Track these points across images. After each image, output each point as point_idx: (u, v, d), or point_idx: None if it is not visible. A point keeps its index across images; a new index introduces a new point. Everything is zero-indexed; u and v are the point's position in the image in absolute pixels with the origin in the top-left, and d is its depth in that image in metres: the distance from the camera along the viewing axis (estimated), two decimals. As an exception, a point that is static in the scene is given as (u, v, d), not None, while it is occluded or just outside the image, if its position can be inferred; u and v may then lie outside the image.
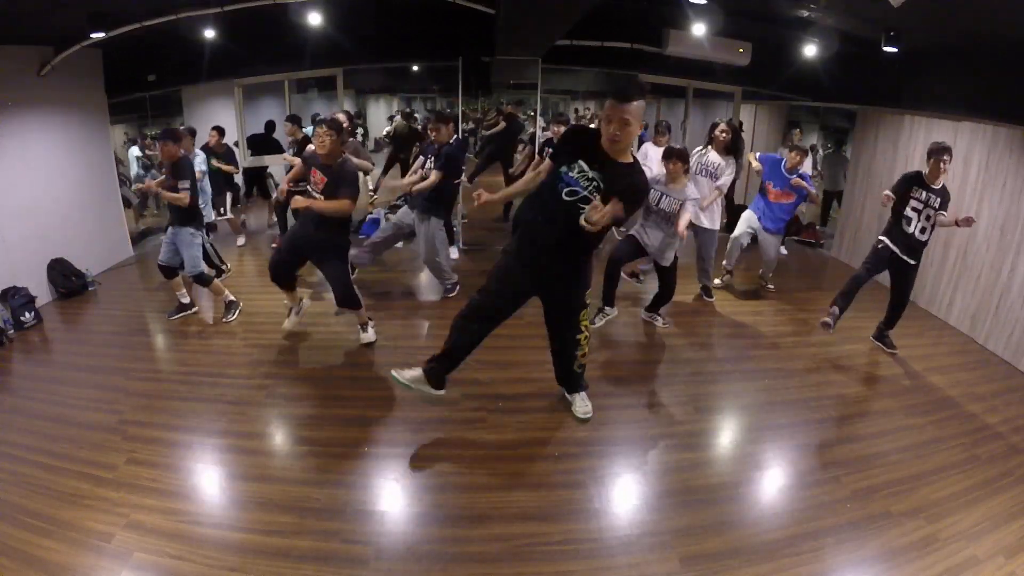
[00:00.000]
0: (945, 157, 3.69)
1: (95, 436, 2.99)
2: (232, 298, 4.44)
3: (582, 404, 3.21)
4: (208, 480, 2.73)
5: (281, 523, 2.42)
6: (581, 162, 2.60)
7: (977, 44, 4.28)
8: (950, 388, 3.70)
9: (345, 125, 3.91)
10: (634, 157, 2.68)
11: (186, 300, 4.46)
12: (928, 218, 3.79)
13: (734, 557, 2.30)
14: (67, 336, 4.39)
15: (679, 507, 2.57)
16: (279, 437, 3.08)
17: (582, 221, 2.39)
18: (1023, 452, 3.05)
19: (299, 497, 2.57)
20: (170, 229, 4.24)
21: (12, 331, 4.20)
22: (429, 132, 4.75)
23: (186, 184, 4.06)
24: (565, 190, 2.60)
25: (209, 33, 5.38)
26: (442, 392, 2.96)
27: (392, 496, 2.63)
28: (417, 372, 2.92)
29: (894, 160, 5.46)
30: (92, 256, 5.24)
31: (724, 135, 4.70)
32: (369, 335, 4.03)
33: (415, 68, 10.51)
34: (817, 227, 7.31)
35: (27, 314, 4.33)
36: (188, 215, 4.18)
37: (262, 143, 6.95)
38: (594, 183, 2.57)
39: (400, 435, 3.04)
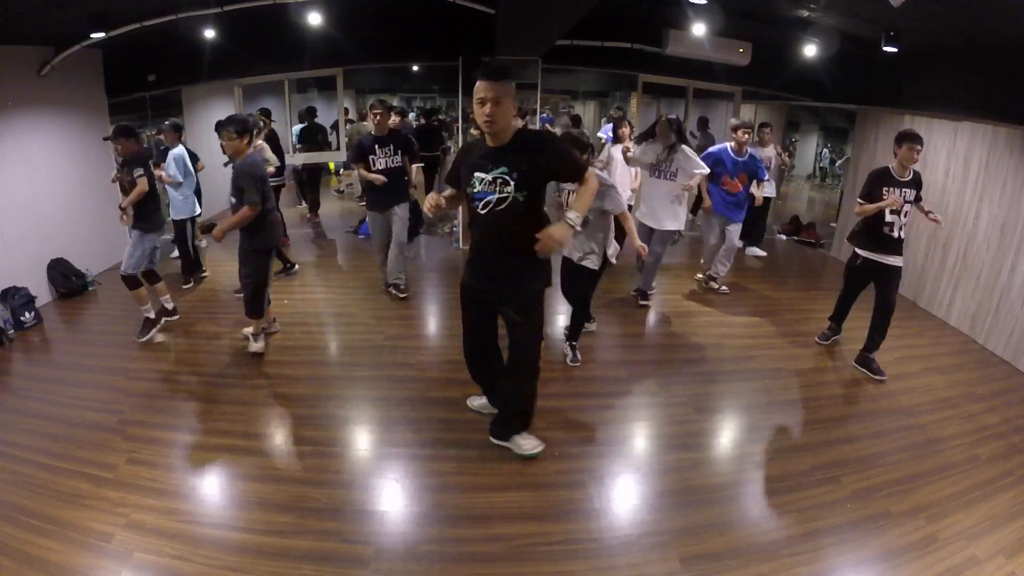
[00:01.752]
0: (917, 146, 3.53)
1: (95, 436, 2.99)
2: (152, 315, 4.17)
3: (524, 441, 2.91)
4: (208, 480, 2.73)
5: (281, 523, 2.42)
6: (476, 174, 2.52)
7: (977, 44, 4.27)
8: (950, 388, 3.70)
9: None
10: (519, 129, 2.55)
11: (170, 305, 4.35)
12: (906, 215, 3.65)
13: (734, 557, 2.30)
14: (67, 336, 4.39)
15: (679, 507, 2.57)
16: (279, 437, 3.08)
17: (537, 248, 2.41)
18: (1023, 452, 3.05)
19: (299, 497, 2.57)
20: (133, 232, 4.05)
21: (12, 331, 4.20)
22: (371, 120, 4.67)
23: (140, 171, 3.94)
24: (479, 206, 2.53)
25: (209, 33, 5.38)
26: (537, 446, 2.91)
27: (392, 496, 2.63)
28: (529, 439, 2.90)
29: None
30: (92, 256, 5.24)
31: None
32: (259, 345, 3.90)
33: (415, 68, 10.51)
34: (821, 226, 7.31)
35: (27, 314, 4.33)
36: (142, 214, 4.02)
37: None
38: (499, 180, 2.47)
39: (400, 435, 3.04)
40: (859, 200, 3.73)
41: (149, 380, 3.60)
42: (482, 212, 2.52)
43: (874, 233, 3.70)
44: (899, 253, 3.71)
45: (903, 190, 3.60)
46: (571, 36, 6.31)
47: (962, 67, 4.75)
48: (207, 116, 6.92)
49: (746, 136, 4.86)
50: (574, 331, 3.85)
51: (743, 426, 3.32)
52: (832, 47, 5.17)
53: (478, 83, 2.41)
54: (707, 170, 4.63)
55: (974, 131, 4.55)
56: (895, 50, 4.37)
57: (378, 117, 4.57)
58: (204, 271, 5.42)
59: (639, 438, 3.16)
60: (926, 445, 3.08)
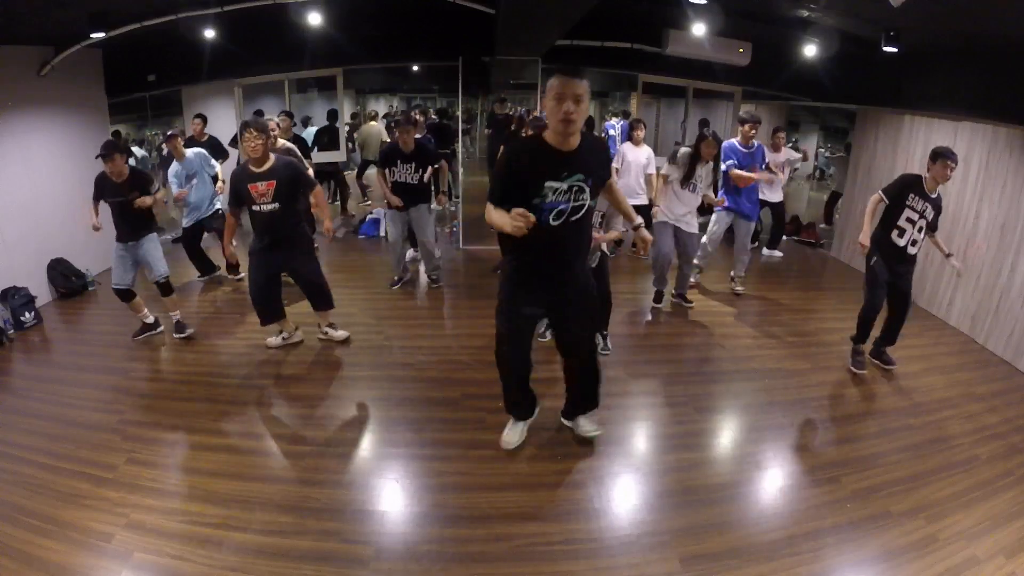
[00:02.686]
0: (951, 163, 3.40)
1: (95, 436, 2.99)
2: (151, 320, 4.12)
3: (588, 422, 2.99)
4: (208, 480, 2.73)
5: (281, 523, 2.42)
6: (548, 183, 2.30)
7: (977, 44, 4.28)
8: (950, 388, 3.70)
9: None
10: (583, 132, 2.39)
11: (150, 320, 4.14)
12: (921, 230, 3.54)
13: (734, 557, 2.30)
14: (67, 336, 4.39)
15: (679, 507, 2.57)
16: (279, 437, 3.08)
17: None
18: (1023, 452, 3.05)
19: (299, 497, 2.57)
20: (121, 246, 3.86)
21: (12, 331, 4.20)
22: (398, 138, 4.67)
23: (156, 187, 3.92)
24: (549, 217, 2.33)
25: (209, 33, 5.38)
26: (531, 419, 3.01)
27: (392, 496, 2.63)
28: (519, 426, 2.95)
29: (894, 160, 5.46)
30: (92, 256, 5.24)
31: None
32: (340, 333, 4.08)
33: (415, 68, 10.50)
34: (819, 226, 7.31)
35: (27, 314, 4.33)
36: (148, 221, 3.94)
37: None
38: (575, 187, 2.34)
39: (400, 435, 3.04)
40: (881, 192, 3.65)
41: (149, 380, 3.60)
42: (554, 223, 2.34)
43: (883, 239, 3.64)
44: (908, 263, 3.67)
45: (926, 205, 3.51)
46: (571, 36, 6.31)
47: (962, 67, 4.75)
48: (207, 116, 6.91)
49: (753, 132, 4.84)
50: (603, 321, 3.92)
51: (743, 426, 3.32)
52: (832, 47, 5.17)
53: (558, 79, 2.24)
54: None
55: (974, 131, 4.55)
56: (895, 50, 4.38)
57: (403, 136, 4.60)
58: (219, 269, 5.34)
59: (639, 438, 3.16)
60: (926, 445, 3.08)
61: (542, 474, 2.76)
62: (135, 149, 6.90)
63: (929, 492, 2.70)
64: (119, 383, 3.54)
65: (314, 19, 5.48)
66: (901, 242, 3.58)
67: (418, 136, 5.04)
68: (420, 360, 3.86)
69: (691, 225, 4.59)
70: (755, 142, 4.94)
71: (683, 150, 4.55)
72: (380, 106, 12.60)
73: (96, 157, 3.66)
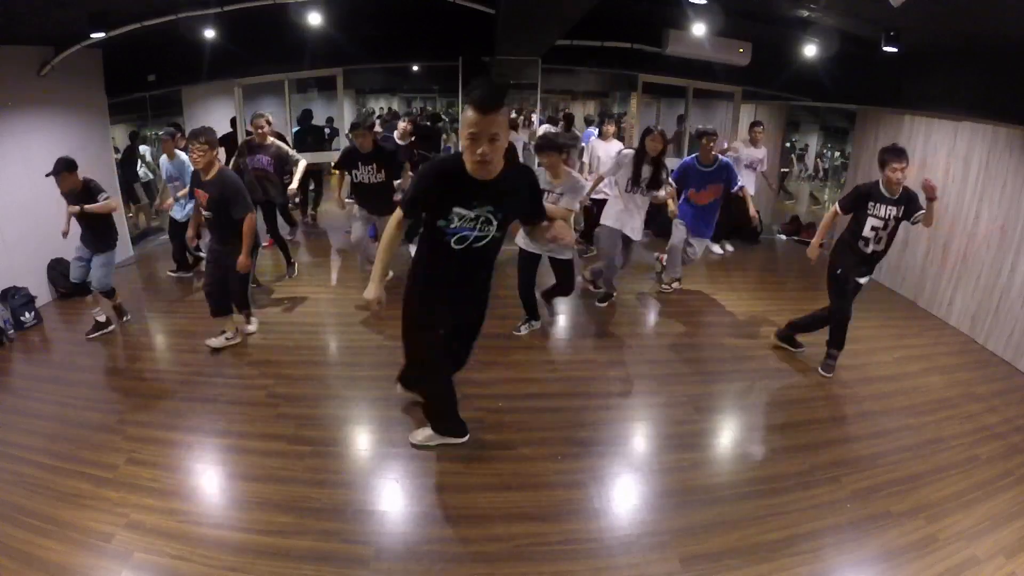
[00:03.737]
0: (895, 164, 3.25)
1: (95, 436, 2.99)
2: (103, 319, 4.16)
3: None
4: (208, 480, 2.73)
5: (281, 523, 2.42)
6: (456, 209, 2.26)
7: (977, 44, 4.28)
8: (950, 388, 3.70)
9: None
10: (509, 158, 2.30)
11: (102, 318, 4.16)
12: (889, 232, 3.43)
13: (734, 557, 2.30)
14: (67, 336, 4.38)
15: (679, 507, 2.57)
16: (279, 437, 3.08)
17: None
18: (1023, 452, 3.05)
19: (299, 497, 2.57)
20: (81, 246, 4.03)
21: (12, 331, 4.20)
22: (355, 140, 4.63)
23: (105, 195, 3.94)
24: (452, 240, 2.31)
25: (209, 33, 5.38)
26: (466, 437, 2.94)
27: (392, 496, 2.63)
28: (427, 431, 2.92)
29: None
30: (92, 256, 5.24)
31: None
32: (252, 326, 4.11)
33: (415, 68, 10.51)
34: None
35: (27, 314, 4.33)
36: (105, 235, 4.02)
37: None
38: (483, 219, 2.29)
39: (400, 435, 3.04)
40: (837, 205, 3.64)
41: (149, 380, 3.60)
42: (455, 247, 2.32)
43: (849, 249, 3.56)
44: (872, 266, 3.60)
45: (890, 208, 3.38)
46: (571, 36, 6.32)
47: (962, 67, 4.75)
48: (207, 116, 6.92)
49: (711, 144, 4.62)
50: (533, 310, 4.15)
51: (743, 426, 3.32)
52: (832, 47, 5.17)
53: (473, 113, 2.04)
54: (672, 186, 4.48)
55: (974, 131, 4.55)
56: (895, 50, 4.38)
57: (360, 140, 4.57)
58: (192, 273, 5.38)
59: (639, 438, 3.16)
60: (926, 445, 3.08)
61: (542, 474, 2.76)
62: (142, 148, 6.92)
63: (929, 492, 2.70)
64: (119, 383, 3.54)
65: (314, 19, 5.48)
66: (868, 249, 3.50)
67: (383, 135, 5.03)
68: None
69: (636, 231, 4.43)
70: (719, 157, 4.67)
71: (626, 151, 4.45)
72: (381, 106, 12.64)
73: (46, 176, 3.78)
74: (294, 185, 4.94)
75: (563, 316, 4.65)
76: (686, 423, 3.25)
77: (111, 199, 4.00)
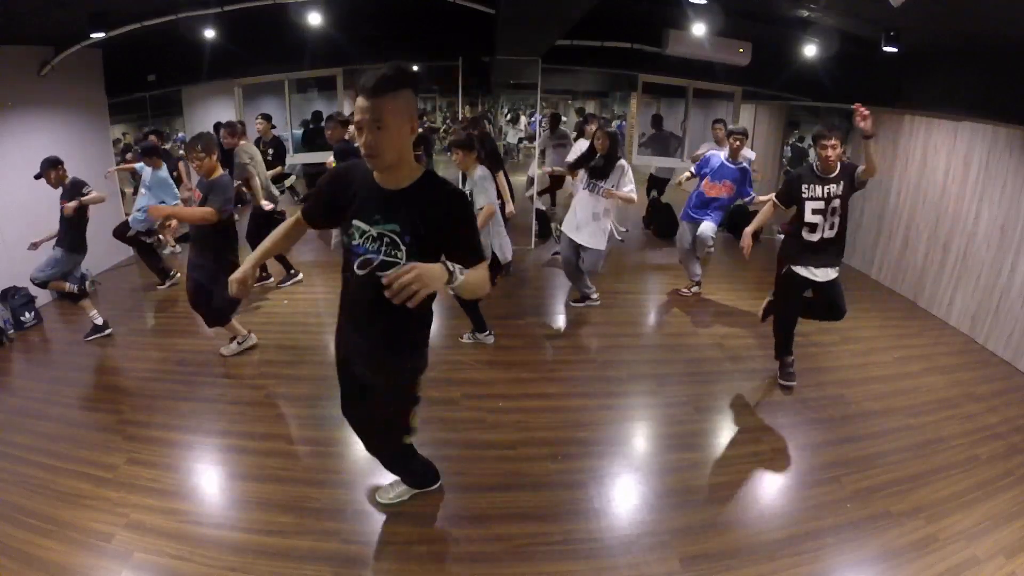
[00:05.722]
0: (823, 142, 3.13)
1: (95, 436, 2.99)
2: (100, 321, 4.15)
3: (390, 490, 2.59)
4: (208, 480, 2.74)
5: (281, 523, 2.42)
6: (356, 222, 1.85)
7: (977, 44, 4.28)
8: (950, 388, 3.70)
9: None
10: (426, 171, 1.84)
11: (99, 321, 4.16)
12: (835, 211, 3.24)
13: (734, 557, 2.30)
14: (67, 336, 4.38)
15: (679, 507, 2.57)
16: (279, 437, 3.08)
17: (386, 292, 1.54)
18: (1023, 452, 3.05)
19: (299, 497, 2.57)
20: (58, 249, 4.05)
21: (12, 331, 4.20)
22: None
23: (89, 187, 4.01)
24: (356, 262, 1.88)
25: (209, 33, 5.38)
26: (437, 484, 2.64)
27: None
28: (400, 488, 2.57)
29: (893, 160, 5.46)
30: (92, 256, 5.20)
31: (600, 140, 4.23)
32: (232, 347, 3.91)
33: (415, 68, 10.50)
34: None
35: (27, 314, 4.34)
36: (70, 233, 4.04)
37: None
38: (387, 239, 1.81)
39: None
40: (774, 197, 3.52)
41: (149, 380, 3.60)
42: (358, 272, 1.87)
43: (796, 243, 3.35)
44: (832, 257, 3.34)
45: (828, 187, 3.22)
46: (571, 36, 6.30)
47: (962, 67, 4.75)
48: (207, 116, 6.92)
49: (738, 143, 4.65)
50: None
51: (743, 426, 3.32)
52: (832, 47, 5.17)
53: (358, 99, 1.69)
54: (635, 196, 4.24)
55: (974, 131, 4.55)
56: (895, 50, 4.38)
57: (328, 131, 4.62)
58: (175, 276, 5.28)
59: (639, 438, 3.16)
60: (926, 445, 3.08)
61: (542, 474, 2.76)
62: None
63: (929, 492, 2.70)
64: (119, 383, 3.54)
65: (314, 19, 5.48)
66: (815, 237, 3.29)
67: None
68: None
69: (593, 237, 4.21)
70: (744, 158, 4.69)
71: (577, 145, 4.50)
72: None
73: (35, 177, 3.88)
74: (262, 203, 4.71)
75: (563, 316, 4.65)
76: (686, 423, 3.25)
77: (96, 192, 4.05)
